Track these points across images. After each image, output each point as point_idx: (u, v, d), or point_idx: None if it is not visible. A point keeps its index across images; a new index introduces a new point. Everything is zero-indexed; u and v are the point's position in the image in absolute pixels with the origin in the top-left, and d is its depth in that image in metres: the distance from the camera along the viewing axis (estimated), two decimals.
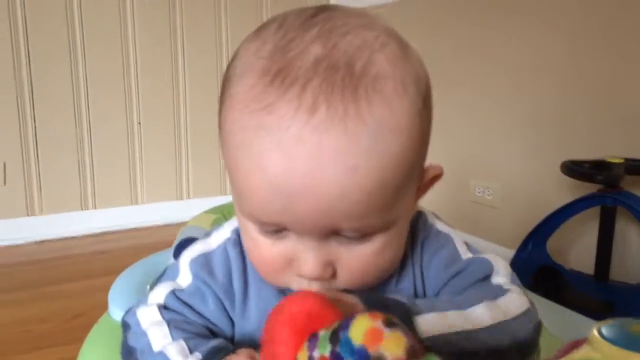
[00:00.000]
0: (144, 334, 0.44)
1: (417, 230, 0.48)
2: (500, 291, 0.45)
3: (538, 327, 0.44)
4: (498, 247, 1.73)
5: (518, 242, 1.46)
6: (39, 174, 1.97)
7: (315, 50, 0.36)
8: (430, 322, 0.39)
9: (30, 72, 1.90)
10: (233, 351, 0.41)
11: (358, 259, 0.40)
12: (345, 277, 0.40)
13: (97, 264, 1.77)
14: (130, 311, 0.48)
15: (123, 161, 2.12)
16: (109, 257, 1.82)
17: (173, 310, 0.46)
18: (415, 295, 0.47)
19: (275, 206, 0.37)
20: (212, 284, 0.47)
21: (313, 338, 0.31)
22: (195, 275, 0.47)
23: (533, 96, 1.68)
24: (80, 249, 1.95)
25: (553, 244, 1.45)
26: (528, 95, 1.69)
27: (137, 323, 0.45)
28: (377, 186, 0.36)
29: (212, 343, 0.42)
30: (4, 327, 1.33)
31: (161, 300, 0.47)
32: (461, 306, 0.42)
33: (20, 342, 1.26)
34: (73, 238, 2.03)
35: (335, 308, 0.34)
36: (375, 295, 0.43)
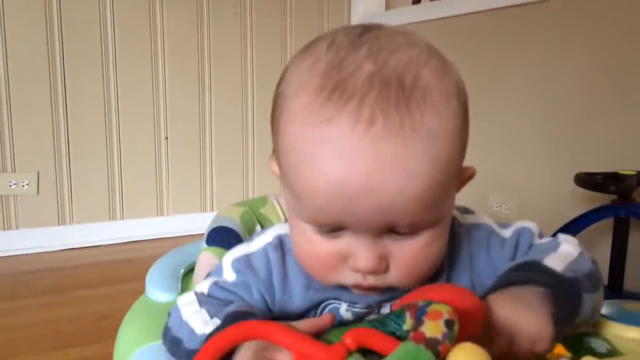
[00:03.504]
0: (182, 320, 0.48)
1: (457, 233, 0.51)
2: (555, 243, 0.51)
3: (596, 262, 0.51)
4: None
5: None
6: (71, 185, 2.04)
7: (368, 67, 0.40)
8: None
9: (64, 87, 1.97)
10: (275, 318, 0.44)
11: (409, 252, 0.43)
12: (397, 271, 0.44)
13: (124, 270, 1.81)
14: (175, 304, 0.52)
15: (150, 174, 2.19)
16: (134, 264, 1.85)
17: (214, 297, 0.50)
18: (473, 288, 0.51)
19: (335, 208, 0.40)
20: (254, 278, 0.50)
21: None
22: (238, 272, 0.51)
23: (547, 112, 1.71)
24: (107, 256, 1.99)
25: None
26: (542, 111, 1.73)
27: (177, 309, 0.50)
28: (429, 186, 0.40)
29: (232, 307, 0.46)
30: (35, 326, 1.36)
31: (205, 290, 0.51)
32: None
33: (52, 340, 1.28)
34: (100, 247, 2.08)
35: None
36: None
